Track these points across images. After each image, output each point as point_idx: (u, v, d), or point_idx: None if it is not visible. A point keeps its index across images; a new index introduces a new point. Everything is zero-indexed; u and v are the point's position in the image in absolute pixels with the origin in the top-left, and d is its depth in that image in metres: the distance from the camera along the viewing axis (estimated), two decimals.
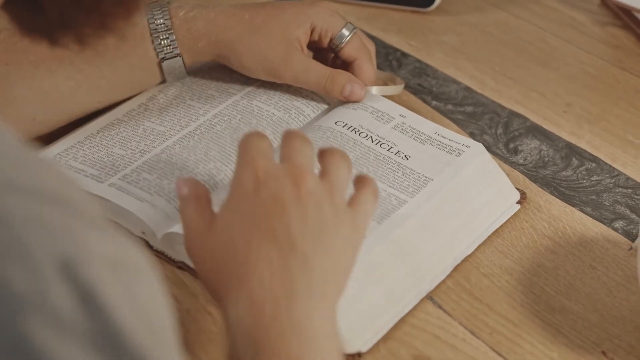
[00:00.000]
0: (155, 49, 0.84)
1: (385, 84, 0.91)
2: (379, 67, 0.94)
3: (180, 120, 0.85)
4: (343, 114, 0.84)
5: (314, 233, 0.59)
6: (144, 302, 0.38)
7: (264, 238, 0.58)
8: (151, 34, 0.84)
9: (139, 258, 0.39)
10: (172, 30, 0.84)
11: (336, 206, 0.61)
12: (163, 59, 0.85)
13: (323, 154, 0.64)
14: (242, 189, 0.60)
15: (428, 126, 0.83)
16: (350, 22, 0.87)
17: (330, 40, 0.87)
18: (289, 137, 0.64)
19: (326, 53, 0.91)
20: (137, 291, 0.38)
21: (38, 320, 0.34)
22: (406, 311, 0.71)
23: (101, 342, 0.35)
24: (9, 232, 0.34)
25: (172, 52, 0.85)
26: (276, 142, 0.83)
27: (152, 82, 0.88)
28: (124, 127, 0.85)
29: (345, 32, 0.87)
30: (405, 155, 0.80)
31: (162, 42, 0.84)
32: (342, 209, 0.61)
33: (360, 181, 0.65)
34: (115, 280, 0.37)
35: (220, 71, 0.91)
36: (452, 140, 0.81)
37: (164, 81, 0.88)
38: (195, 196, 0.63)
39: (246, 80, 0.89)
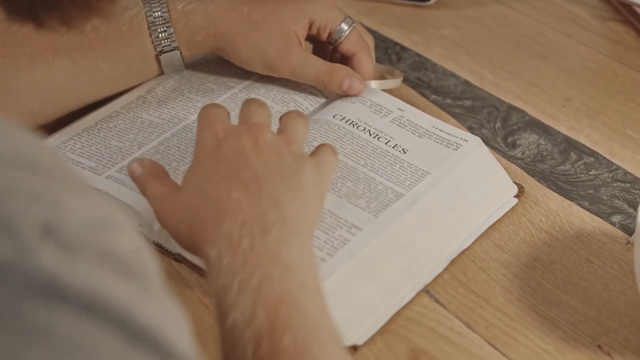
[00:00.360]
0: (153, 42, 0.84)
1: (383, 76, 0.90)
2: (378, 60, 0.94)
3: (179, 113, 0.85)
4: (341, 107, 0.84)
5: (278, 175, 0.64)
6: (126, 257, 0.38)
7: (233, 184, 0.63)
8: (149, 27, 0.83)
9: (117, 216, 0.39)
10: (170, 23, 0.83)
11: (294, 153, 0.67)
12: (161, 51, 0.85)
13: (282, 117, 0.72)
14: (204, 149, 0.66)
15: (426, 120, 0.83)
16: (349, 17, 0.87)
17: (329, 34, 0.87)
18: (246, 102, 0.73)
19: (325, 46, 0.91)
20: (117, 246, 0.38)
21: (23, 286, 0.34)
22: (402, 304, 0.71)
23: (86, 302, 0.35)
24: None
25: (170, 45, 0.85)
26: None
27: (149, 75, 0.88)
28: (122, 119, 0.85)
29: (344, 26, 0.87)
30: (402, 149, 0.80)
31: (160, 35, 0.84)
32: (301, 156, 0.67)
33: (319, 145, 0.72)
34: (95, 239, 0.37)
35: (219, 64, 0.91)
36: (449, 134, 0.81)
37: (161, 74, 0.88)
38: (153, 171, 0.69)
39: (245, 73, 0.89)
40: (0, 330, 0.33)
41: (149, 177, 0.68)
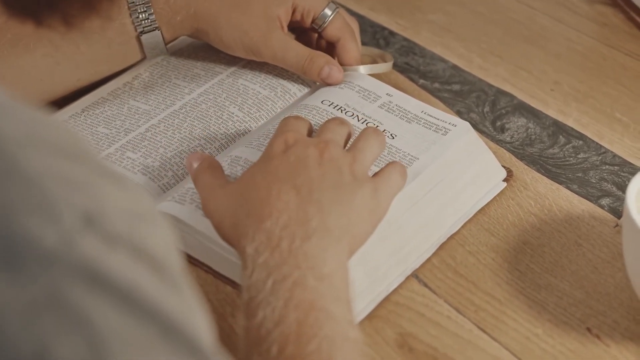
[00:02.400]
0: (133, 23, 0.83)
1: (374, 61, 0.90)
2: (366, 45, 0.93)
3: (166, 99, 0.85)
4: (329, 92, 0.83)
5: (332, 188, 0.64)
6: (158, 252, 0.38)
7: (284, 186, 0.63)
8: (129, 8, 0.83)
9: (152, 208, 0.40)
10: (150, 3, 0.83)
11: (355, 173, 0.66)
12: (141, 32, 0.84)
13: (362, 132, 0.72)
14: (271, 152, 0.67)
15: (415, 105, 0.82)
16: (332, 1, 0.87)
17: (313, 20, 0.86)
18: (328, 120, 0.72)
19: (310, 35, 0.90)
20: (151, 241, 0.38)
21: (68, 273, 0.34)
22: (391, 289, 0.71)
23: (124, 294, 0.35)
24: (34, 189, 0.35)
25: (150, 25, 0.84)
26: (260, 120, 0.83)
27: (132, 58, 0.87)
28: (108, 105, 0.85)
29: (328, 11, 0.86)
30: (391, 134, 0.79)
31: (140, 16, 0.83)
32: (362, 176, 0.66)
33: (390, 162, 0.71)
34: (132, 232, 0.37)
35: (206, 50, 0.91)
36: (438, 119, 0.81)
37: (144, 58, 0.87)
38: (207, 165, 0.69)
39: (232, 59, 0.89)
40: (40, 317, 0.33)
41: (202, 169, 0.69)
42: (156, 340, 0.36)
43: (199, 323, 0.39)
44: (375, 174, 0.69)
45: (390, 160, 0.73)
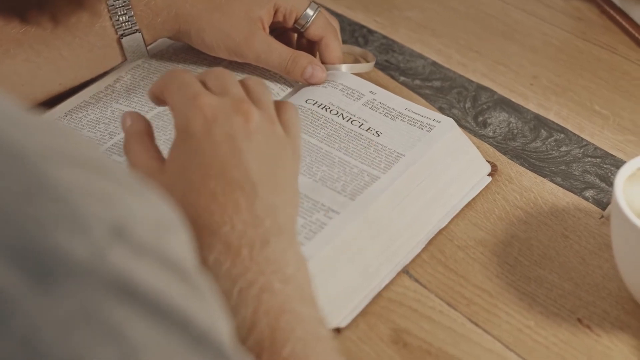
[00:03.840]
0: (113, 26, 0.83)
1: (357, 60, 0.91)
2: (346, 43, 0.94)
3: (149, 101, 0.84)
4: (313, 91, 0.84)
5: (269, 173, 0.60)
6: (182, 261, 0.38)
7: (228, 186, 0.58)
8: (109, 11, 0.82)
9: (174, 217, 0.40)
10: (130, 6, 0.82)
11: (277, 136, 0.62)
12: (122, 35, 0.84)
13: (243, 83, 0.64)
14: (191, 130, 0.59)
15: (398, 102, 0.83)
16: (314, 1, 0.87)
17: (295, 20, 0.87)
18: (213, 70, 0.64)
19: (290, 35, 0.90)
20: (176, 250, 0.38)
21: (99, 286, 0.34)
22: (383, 286, 0.71)
23: (154, 304, 0.35)
24: (62, 203, 0.35)
25: (130, 27, 0.83)
26: None
27: (113, 61, 0.87)
28: (91, 109, 0.84)
29: (310, 11, 0.86)
30: (376, 132, 0.80)
31: (121, 19, 0.83)
32: (282, 137, 0.62)
33: (280, 104, 0.65)
34: (159, 242, 0.37)
35: (187, 52, 0.91)
36: (422, 116, 0.81)
37: (125, 61, 0.87)
38: (137, 132, 0.63)
39: (213, 60, 0.89)
40: (75, 330, 0.33)
41: (133, 135, 0.63)
42: (186, 350, 0.36)
43: (223, 327, 0.40)
44: (282, 124, 0.63)
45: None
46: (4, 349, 0.32)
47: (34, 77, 0.82)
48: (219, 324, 0.39)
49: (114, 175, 0.38)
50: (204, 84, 0.62)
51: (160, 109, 0.83)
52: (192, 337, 0.36)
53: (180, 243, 0.39)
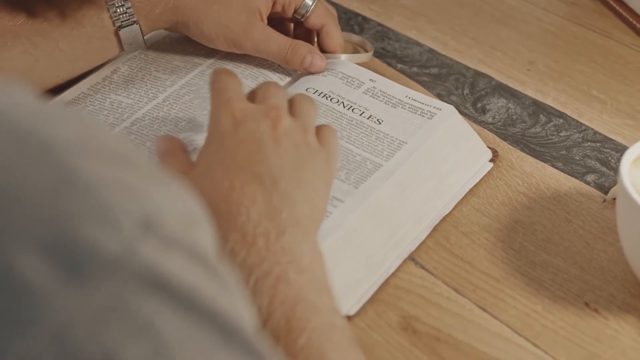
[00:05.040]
0: (111, 17, 0.83)
1: (356, 49, 0.91)
2: (342, 31, 0.94)
3: (148, 92, 0.84)
4: (313, 80, 0.84)
5: (292, 171, 0.62)
6: (209, 254, 0.38)
7: (247, 178, 0.60)
8: (106, 2, 0.82)
9: (199, 210, 0.39)
10: None
11: (309, 144, 0.64)
12: (120, 27, 0.83)
13: (292, 99, 0.68)
14: (220, 129, 0.63)
15: (398, 90, 0.83)
16: None
17: (295, 10, 0.87)
18: (264, 84, 0.68)
19: (287, 25, 0.90)
20: (203, 243, 0.38)
21: (130, 280, 0.34)
22: (389, 273, 0.71)
23: (185, 298, 0.35)
24: (92, 196, 0.34)
25: (128, 19, 0.83)
26: None
27: (110, 53, 0.86)
28: (90, 101, 0.84)
29: (309, 1, 0.86)
30: (377, 120, 0.80)
31: (118, 10, 0.82)
32: (314, 147, 0.64)
33: (322, 125, 0.68)
34: (187, 235, 0.37)
35: (184, 43, 0.90)
36: (423, 103, 0.81)
37: (122, 52, 0.87)
38: (171, 148, 0.66)
39: (210, 50, 0.88)
40: (107, 324, 0.33)
41: (165, 152, 0.66)
42: (216, 342, 0.36)
43: (248, 319, 0.40)
44: (319, 139, 0.66)
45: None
46: (37, 344, 0.32)
47: (32, 69, 0.81)
48: (244, 316, 0.39)
49: (141, 168, 0.38)
50: (253, 93, 0.67)
51: (157, 101, 0.83)
52: (222, 330, 0.36)
53: (205, 236, 0.39)
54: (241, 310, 0.39)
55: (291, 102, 0.67)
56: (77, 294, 0.32)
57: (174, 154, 0.66)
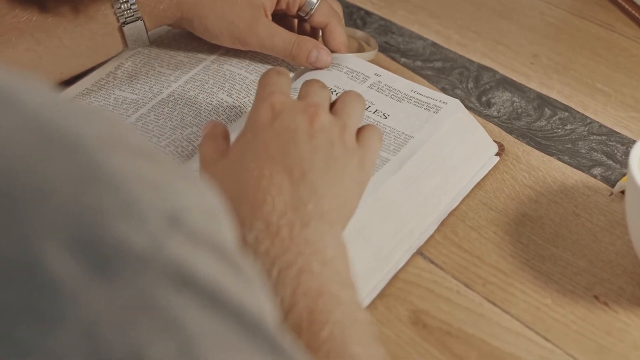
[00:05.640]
0: (115, 14, 0.82)
1: (359, 44, 0.91)
2: (346, 26, 0.94)
3: (152, 87, 0.84)
4: (318, 75, 0.83)
5: (323, 166, 0.62)
6: (231, 249, 0.38)
7: (276, 168, 0.60)
8: None
9: (220, 205, 0.39)
10: None
11: (345, 143, 0.64)
12: (124, 23, 0.83)
13: (340, 97, 0.68)
14: (257, 120, 0.64)
15: (403, 84, 0.83)
16: None
17: (299, 7, 0.86)
18: (308, 81, 0.69)
19: (291, 21, 0.90)
20: (225, 238, 0.38)
21: (158, 276, 0.34)
22: (398, 267, 0.71)
23: (210, 293, 0.35)
24: (119, 192, 0.34)
25: (132, 15, 0.83)
26: (249, 105, 0.83)
27: (114, 50, 0.86)
28: (94, 97, 0.84)
29: None
30: (383, 114, 0.80)
31: (122, 6, 0.82)
32: (351, 147, 0.64)
33: (365, 125, 0.68)
34: (211, 230, 0.37)
35: (187, 38, 0.90)
36: (428, 97, 0.81)
37: (125, 48, 0.86)
38: (212, 133, 0.67)
39: (214, 45, 0.88)
40: (135, 320, 0.32)
41: (205, 137, 0.66)
42: (241, 338, 0.36)
43: (270, 314, 0.39)
44: (358, 139, 0.67)
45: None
46: (67, 341, 0.32)
47: (36, 66, 0.81)
48: (266, 311, 0.39)
49: (164, 163, 0.38)
50: (298, 92, 0.69)
51: (161, 96, 0.83)
52: (246, 326, 0.36)
53: (227, 230, 0.39)
54: (263, 305, 0.39)
55: (338, 100, 0.68)
56: (105, 290, 0.32)
57: (213, 139, 0.66)
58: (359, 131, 0.67)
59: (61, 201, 0.33)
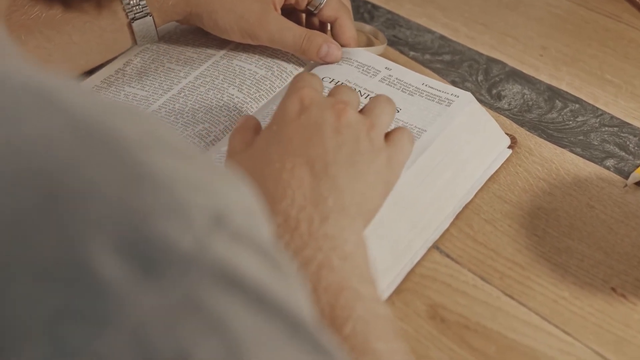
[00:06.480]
0: (124, 9, 0.82)
1: (368, 38, 0.90)
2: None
3: (162, 83, 0.84)
4: (329, 69, 0.83)
5: (347, 160, 0.62)
6: (271, 246, 0.38)
7: (298, 161, 0.60)
8: None
9: (256, 201, 0.39)
10: None
11: (372, 140, 0.64)
12: (133, 19, 0.83)
13: (372, 99, 0.69)
14: (285, 113, 0.64)
15: (414, 77, 0.83)
16: None
17: (309, 2, 0.86)
18: (339, 86, 0.70)
19: (299, 15, 0.90)
20: (264, 236, 0.38)
21: (205, 276, 0.33)
22: (415, 262, 0.71)
23: (256, 293, 0.35)
24: (163, 192, 0.34)
25: (141, 11, 0.82)
26: (260, 100, 0.82)
27: (123, 46, 0.85)
28: (104, 94, 0.83)
29: None
30: (396, 108, 0.79)
31: (132, 2, 0.82)
32: (378, 145, 0.64)
33: (397, 127, 0.68)
34: (251, 229, 0.37)
35: (195, 33, 0.90)
36: (440, 91, 0.81)
37: (134, 45, 0.86)
38: (243, 125, 0.67)
39: (223, 40, 0.88)
40: (181, 322, 0.32)
41: (236, 129, 0.67)
42: (285, 338, 0.35)
43: (308, 311, 0.39)
44: (388, 137, 0.67)
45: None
46: (116, 343, 0.31)
47: (46, 63, 0.81)
48: (305, 308, 0.39)
49: (204, 162, 0.37)
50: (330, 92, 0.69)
51: (172, 92, 0.82)
52: (290, 325, 0.36)
53: (265, 228, 0.39)
54: (303, 302, 0.39)
55: (368, 102, 0.68)
56: (151, 292, 0.32)
57: (243, 130, 0.67)
58: (390, 133, 0.67)
59: (106, 202, 0.33)
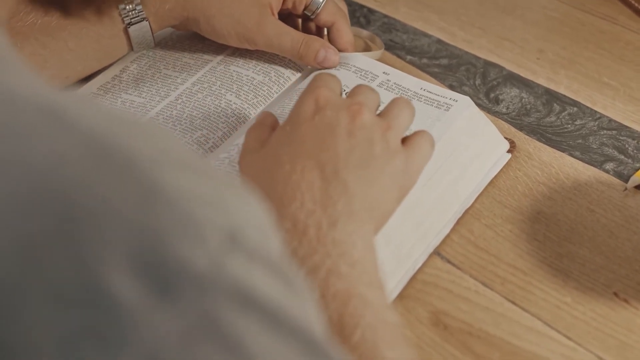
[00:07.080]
0: (120, 14, 0.82)
1: (365, 43, 0.90)
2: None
3: (159, 90, 0.83)
4: None
5: (360, 165, 0.60)
6: (283, 263, 0.37)
7: (309, 163, 0.59)
8: None
9: (267, 217, 0.38)
10: None
11: (388, 142, 0.63)
12: (129, 24, 0.82)
13: (391, 101, 0.67)
14: (300, 113, 0.63)
15: (412, 82, 0.82)
16: None
17: (305, 7, 0.86)
18: (358, 85, 0.68)
19: (295, 20, 0.89)
20: (276, 253, 0.37)
21: (222, 297, 0.33)
22: (417, 268, 0.71)
23: (272, 312, 0.34)
24: (177, 210, 0.33)
25: (137, 16, 0.82)
26: (258, 106, 0.82)
27: (119, 52, 0.85)
28: (101, 100, 0.83)
29: None
30: (414, 111, 0.79)
31: (127, 7, 0.81)
32: (394, 147, 0.63)
33: (417, 130, 0.67)
34: (264, 247, 0.36)
35: (191, 39, 0.89)
36: (439, 95, 0.81)
37: (130, 51, 0.85)
38: (260, 122, 0.66)
39: (219, 46, 0.87)
40: (197, 343, 0.32)
41: (253, 125, 0.66)
42: (300, 357, 0.35)
43: (320, 325, 0.39)
44: (406, 140, 0.66)
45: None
46: None
47: (42, 70, 0.80)
48: (317, 323, 0.39)
49: (215, 177, 0.37)
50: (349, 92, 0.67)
51: (169, 99, 0.82)
52: (305, 344, 0.35)
53: (277, 244, 0.38)
54: (314, 320, 0.38)
55: (387, 105, 0.67)
56: (167, 313, 0.31)
57: (260, 128, 0.66)
58: (410, 136, 0.66)
59: (120, 222, 0.32)
